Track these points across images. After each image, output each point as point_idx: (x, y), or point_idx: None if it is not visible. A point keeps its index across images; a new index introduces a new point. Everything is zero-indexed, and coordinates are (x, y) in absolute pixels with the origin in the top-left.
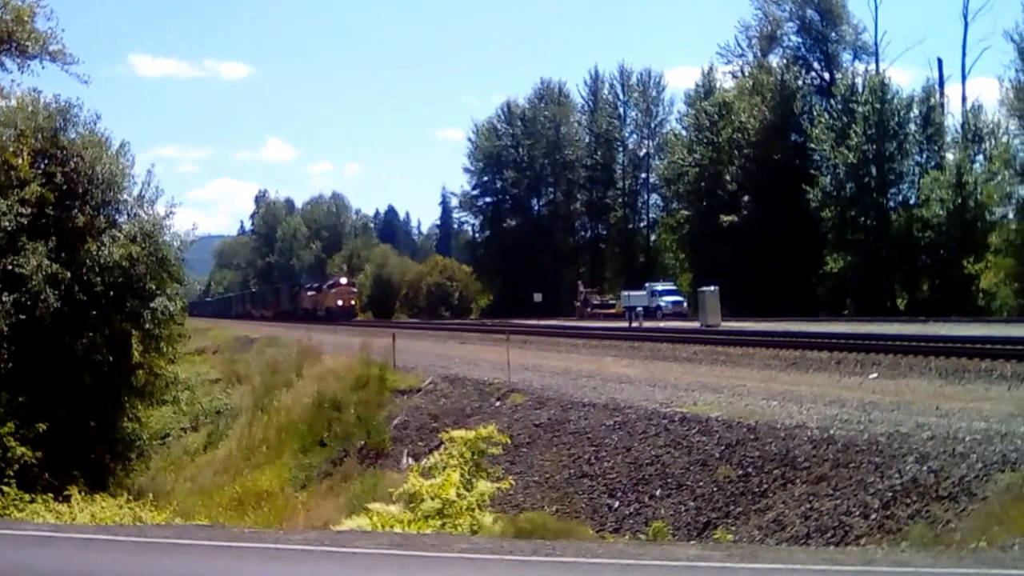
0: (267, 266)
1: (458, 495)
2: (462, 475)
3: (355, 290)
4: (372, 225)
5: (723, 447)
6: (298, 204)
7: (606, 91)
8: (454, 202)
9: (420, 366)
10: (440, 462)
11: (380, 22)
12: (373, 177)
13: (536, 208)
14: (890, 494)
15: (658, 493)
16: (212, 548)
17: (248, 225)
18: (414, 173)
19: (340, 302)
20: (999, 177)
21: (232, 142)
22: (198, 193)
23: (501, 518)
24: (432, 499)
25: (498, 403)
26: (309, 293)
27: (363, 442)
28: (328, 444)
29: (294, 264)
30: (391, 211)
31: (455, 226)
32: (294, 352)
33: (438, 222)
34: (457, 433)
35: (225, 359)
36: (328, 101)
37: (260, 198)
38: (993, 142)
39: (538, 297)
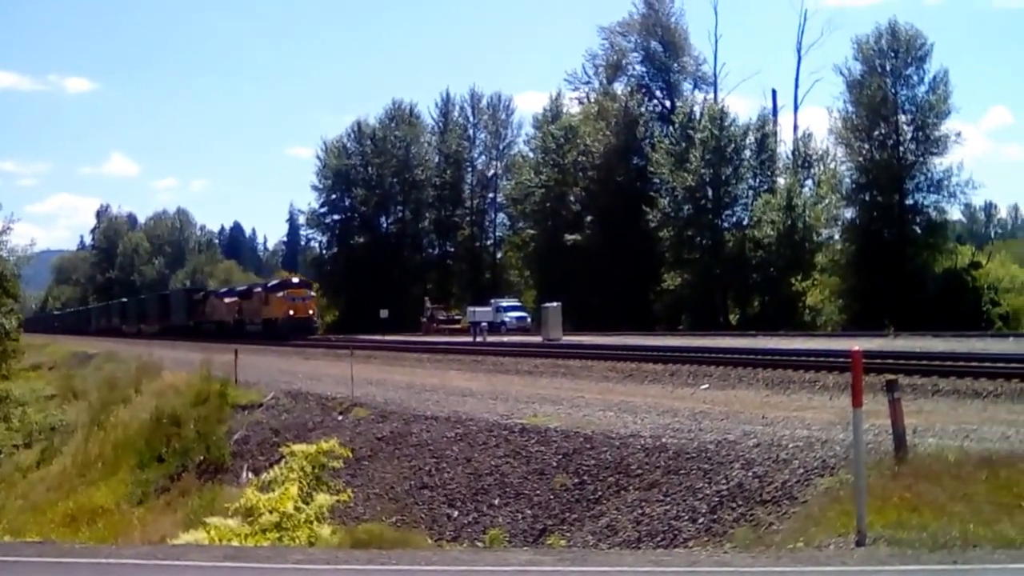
0: (107, 282)
1: (296, 508)
2: (301, 489)
3: (313, 293)
4: (217, 241)
5: (560, 456)
6: (141, 219)
7: (456, 113)
8: (302, 219)
9: (263, 381)
10: (280, 476)
11: (229, 39)
12: (220, 193)
13: (384, 226)
14: (717, 499)
15: (497, 502)
16: (41, 564)
17: (88, 240)
18: (262, 190)
19: (292, 311)
20: (826, 201)
21: (74, 156)
22: (37, 207)
23: (339, 530)
24: (270, 512)
25: (340, 417)
26: (227, 300)
27: (202, 457)
28: (166, 460)
29: (135, 280)
30: (237, 227)
31: (302, 243)
32: (133, 368)
33: (285, 239)
34: (298, 447)
35: (62, 375)
36: (174, 117)
37: (102, 213)
38: (822, 168)
39: (384, 313)
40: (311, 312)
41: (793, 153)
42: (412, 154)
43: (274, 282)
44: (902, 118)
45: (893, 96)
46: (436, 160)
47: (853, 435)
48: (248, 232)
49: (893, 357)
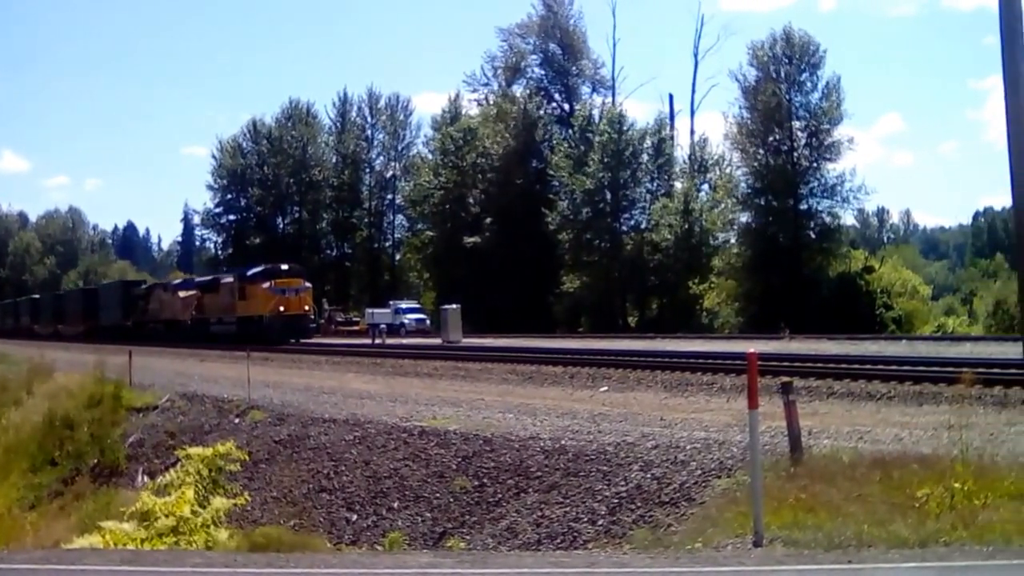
0: None
1: (193, 512)
2: (198, 492)
3: (308, 285)
4: (110, 241)
5: (460, 459)
6: (32, 218)
7: (354, 113)
8: (197, 219)
9: (158, 384)
10: (176, 479)
11: (122, 35)
12: (114, 192)
13: (281, 226)
14: (616, 500)
15: (396, 505)
16: None
17: None
18: (156, 189)
19: (282, 307)
20: (722, 205)
21: None
22: None
23: (237, 533)
24: (166, 516)
25: (237, 420)
26: (183, 294)
27: (96, 461)
28: (60, 463)
29: (27, 280)
30: (130, 227)
31: (197, 243)
32: (24, 369)
33: (179, 239)
34: (194, 450)
35: None
36: (66, 114)
37: None
38: (718, 172)
39: None
40: (307, 308)
41: (690, 158)
42: (309, 154)
43: (255, 270)
44: (796, 124)
45: (787, 102)
46: (334, 160)
47: (749, 437)
48: (142, 232)
49: (789, 360)
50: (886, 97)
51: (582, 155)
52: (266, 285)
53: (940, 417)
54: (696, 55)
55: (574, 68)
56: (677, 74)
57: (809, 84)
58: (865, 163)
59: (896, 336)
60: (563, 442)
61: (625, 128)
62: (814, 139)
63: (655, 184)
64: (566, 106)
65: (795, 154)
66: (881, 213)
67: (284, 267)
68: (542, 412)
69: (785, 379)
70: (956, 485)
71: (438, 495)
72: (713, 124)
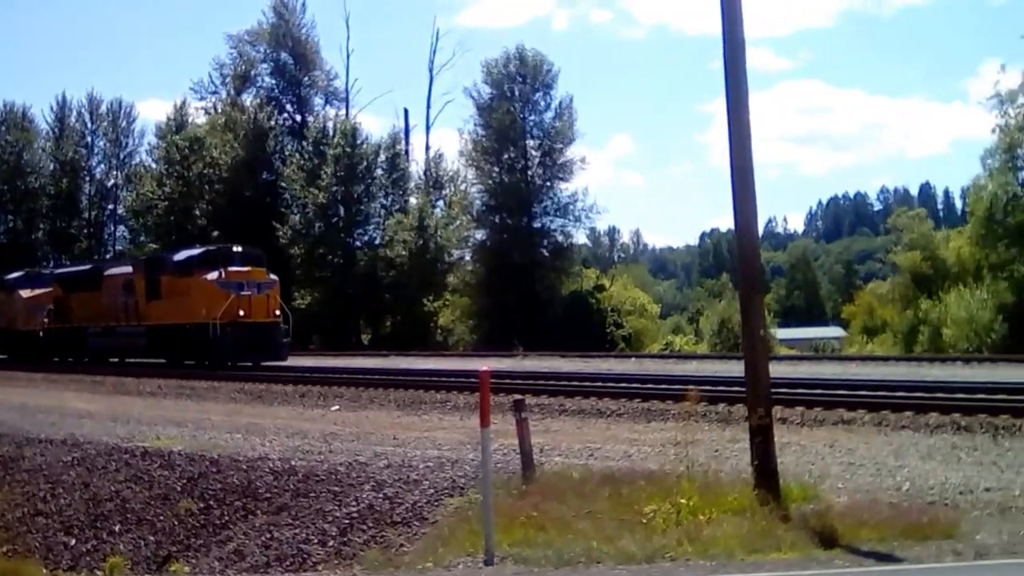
0: None
1: None
2: None
3: (275, 278)
4: None
5: (185, 480)
6: None
7: (74, 118)
8: None
9: None
10: None
11: None
12: None
13: None
14: (347, 521)
15: (117, 529)
16: None
17: None
18: None
19: (242, 311)
20: (457, 222)
21: None
22: None
23: None
24: None
25: None
26: (27, 294)
27: None
28: None
29: None
30: None
31: None
32: None
33: None
34: None
35: None
36: None
37: None
38: (452, 189)
39: None
40: (278, 314)
41: (425, 173)
42: (25, 160)
43: (186, 253)
44: (530, 143)
45: (521, 121)
46: (51, 167)
47: (482, 455)
48: None
49: (521, 377)
50: (618, 118)
51: (315, 168)
52: (211, 277)
53: (667, 434)
54: (431, 70)
55: (306, 79)
56: (413, 89)
57: (543, 103)
58: (597, 183)
59: (626, 354)
60: (293, 462)
61: (359, 142)
62: (547, 158)
63: (389, 199)
64: (298, 117)
65: (529, 172)
66: (612, 233)
67: (237, 249)
68: (271, 432)
69: (517, 397)
70: (682, 501)
71: (162, 518)
72: (449, 140)
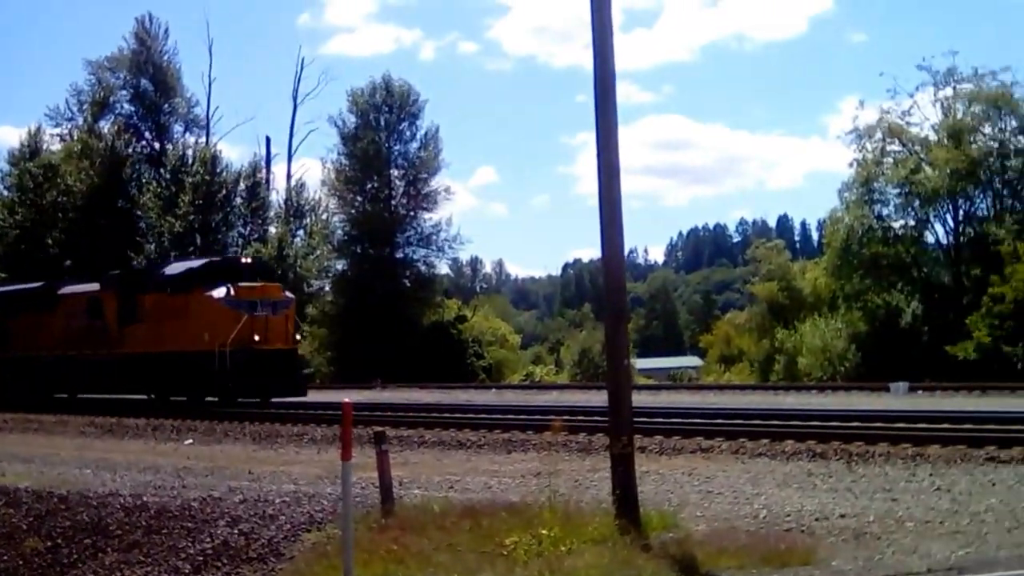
0: None
1: None
2: None
3: (292, 296)
4: None
5: (32, 518)
6: None
7: None
8: None
9: None
10: None
11: None
12: None
13: None
14: (201, 558)
15: None
16: None
17: None
18: None
19: (257, 336)
20: (318, 251)
21: None
22: None
23: None
24: None
25: None
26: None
27: None
28: None
29: None
30: None
31: None
32: None
33: None
34: None
35: None
36: None
37: None
38: (313, 218)
39: None
40: (298, 339)
41: (286, 202)
42: None
43: (183, 265)
44: (395, 172)
45: (386, 150)
46: None
47: (342, 489)
48: None
49: (381, 409)
50: (483, 149)
51: (173, 196)
52: (216, 294)
53: (528, 464)
54: (295, 99)
55: (167, 106)
56: (276, 117)
57: (408, 133)
58: (461, 213)
59: (486, 385)
60: (145, 498)
61: (219, 170)
62: (412, 188)
63: (248, 228)
64: (157, 145)
65: (392, 202)
66: (475, 263)
67: (245, 260)
68: (123, 467)
69: (377, 429)
70: (543, 532)
71: (6, 558)
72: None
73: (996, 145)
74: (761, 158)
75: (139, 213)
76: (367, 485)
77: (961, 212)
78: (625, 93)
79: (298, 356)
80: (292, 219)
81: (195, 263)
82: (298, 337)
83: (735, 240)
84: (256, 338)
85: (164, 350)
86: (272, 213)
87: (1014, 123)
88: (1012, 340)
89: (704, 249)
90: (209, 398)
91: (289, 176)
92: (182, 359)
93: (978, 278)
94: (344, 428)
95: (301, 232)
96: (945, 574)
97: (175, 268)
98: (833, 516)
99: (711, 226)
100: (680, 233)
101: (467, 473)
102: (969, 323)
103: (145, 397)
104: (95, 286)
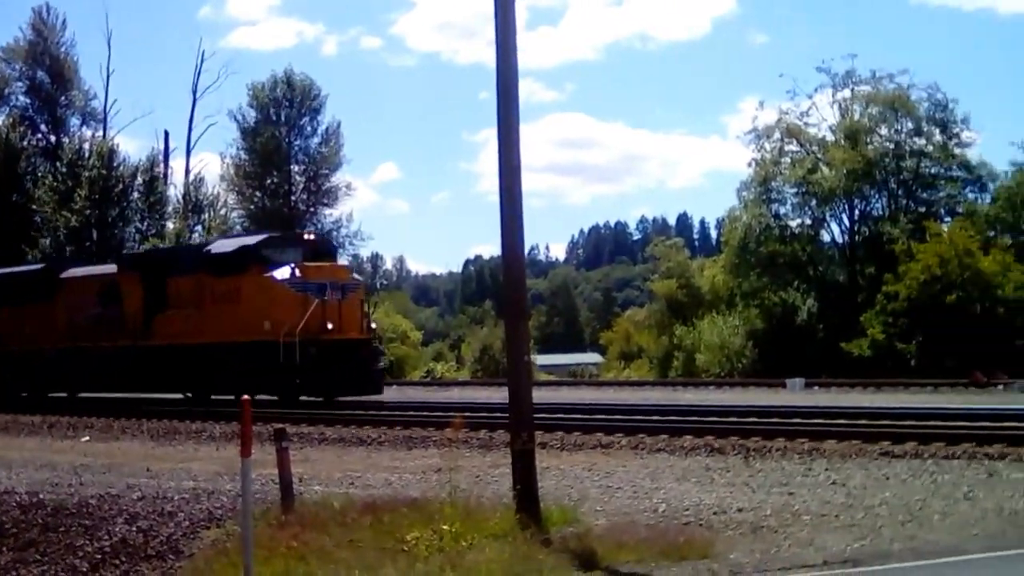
0: None
1: None
2: None
3: (361, 279)
4: None
5: None
6: None
7: None
8: None
9: None
10: None
11: None
12: None
13: None
14: (99, 556)
15: None
16: None
17: None
18: None
19: (330, 323)
20: None
21: None
22: None
23: None
24: None
25: None
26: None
27: None
28: None
29: None
30: None
31: None
32: None
33: None
34: None
35: None
36: None
37: None
38: (212, 214)
39: None
40: (373, 327)
41: (184, 197)
42: None
43: (233, 243)
44: (295, 168)
45: (287, 145)
46: None
47: (242, 485)
48: None
49: (281, 406)
50: (385, 145)
51: (69, 190)
52: (279, 275)
53: (429, 461)
54: (195, 92)
55: (63, 98)
56: (176, 111)
57: (309, 128)
58: (361, 210)
59: (387, 381)
60: (41, 496)
61: (116, 163)
62: (312, 184)
63: (145, 224)
64: (53, 138)
65: (293, 198)
66: (376, 259)
67: (308, 236)
68: (18, 464)
69: (278, 426)
70: (444, 527)
71: None
72: (212, 164)
73: (892, 146)
74: (662, 157)
75: (34, 207)
76: (267, 482)
77: (857, 212)
78: (529, 91)
79: (374, 348)
80: (190, 214)
81: (250, 239)
82: (372, 325)
83: (636, 238)
84: (329, 326)
85: (206, 341)
86: (170, 208)
87: (910, 125)
88: (905, 337)
89: (605, 247)
90: (264, 396)
91: (188, 171)
92: (233, 352)
93: (873, 276)
94: (244, 425)
95: (199, 227)
96: (840, 566)
97: (223, 245)
98: (731, 510)
99: (612, 224)
100: (582, 231)
101: (368, 470)
102: (864, 321)
103: (181, 396)
104: (110, 268)
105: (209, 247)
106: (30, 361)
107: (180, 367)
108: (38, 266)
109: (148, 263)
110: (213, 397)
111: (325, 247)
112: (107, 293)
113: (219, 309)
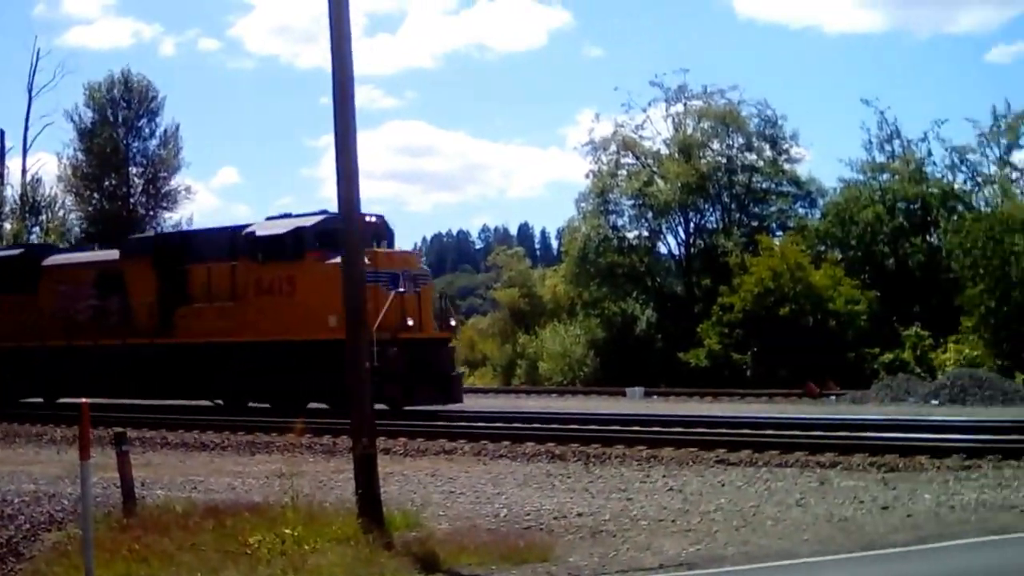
0: None
1: None
2: None
3: (429, 271)
4: None
5: None
6: None
7: None
8: None
9: None
10: None
11: None
12: None
13: None
14: None
15: None
16: None
17: None
18: None
19: (410, 320)
20: None
21: None
22: None
23: None
24: None
25: None
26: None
27: None
28: None
29: None
30: None
31: None
32: None
33: None
34: None
35: None
36: None
37: None
38: (50, 215)
39: None
40: (453, 323)
41: (21, 198)
42: None
43: (284, 225)
44: (133, 170)
45: (124, 147)
46: None
47: (81, 488)
48: None
49: (123, 410)
50: (225, 150)
51: None
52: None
53: (272, 466)
54: (31, 91)
55: None
56: (11, 109)
57: (147, 130)
58: (203, 214)
59: None
60: None
61: None
62: (151, 186)
63: None
64: None
65: (132, 200)
66: None
67: (370, 219)
68: None
69: (119, 429)
70: (287, 531)
71: None
72: (49, 164)
73: (724, 160)
74: (502, 167)
75: None
76: (109, 485)
77: (692, 224)
78: (368, 97)
79: (450, 349)
80: (28, 215)
81: (305, 220)
82: (453, 323)
83: (478, 247)
84: (409, 322)
85: (247, 339)
86: (7, 209)
87: (741, 140)
88: (741, 348)
89: (448, 255)
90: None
91: (24, 171)
92: (284, 352)
93: (708, 288)
94: (82, 428)
95: (37, 229)
96: (676, 570)
97: (271, 228)
98: (571, 515)
99: (455, 232)
100: (424, 238)
101: (211, 474)
102: (700, 331)
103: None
104: (110, 254)
105: (252, 228)
106: (8, 361)
107: (209, 369)
108: (16, 250)
109: (162, 248)
110: (251, 405)
111: (385, 230)
112: (106, 282)
113: (265, 302)
